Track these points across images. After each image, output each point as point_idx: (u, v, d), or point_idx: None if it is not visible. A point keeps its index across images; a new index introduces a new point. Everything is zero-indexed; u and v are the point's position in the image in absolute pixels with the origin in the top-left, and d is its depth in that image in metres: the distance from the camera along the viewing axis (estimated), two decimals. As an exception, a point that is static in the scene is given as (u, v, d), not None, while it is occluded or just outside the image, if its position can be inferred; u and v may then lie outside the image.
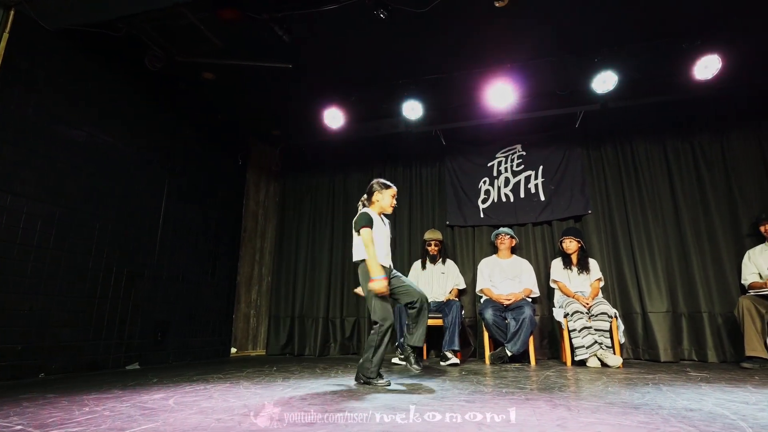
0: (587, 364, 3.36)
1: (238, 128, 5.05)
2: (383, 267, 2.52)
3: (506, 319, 3.73)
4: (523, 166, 4.68)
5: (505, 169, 4.74)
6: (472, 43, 3.60)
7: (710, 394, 2.10)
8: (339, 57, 3.81)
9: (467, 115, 4.54)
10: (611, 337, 3.43)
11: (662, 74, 3.86)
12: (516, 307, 3.73)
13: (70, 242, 3.10)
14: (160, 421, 1.57)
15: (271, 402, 1.94)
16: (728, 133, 4.16)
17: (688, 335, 3.87)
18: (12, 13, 2.83)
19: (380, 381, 2.41)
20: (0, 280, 2.66)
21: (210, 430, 1.45)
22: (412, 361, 2.53)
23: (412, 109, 4.15)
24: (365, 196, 2.71)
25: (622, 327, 3.56)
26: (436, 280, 4.22)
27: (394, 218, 4.78)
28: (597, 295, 3.70)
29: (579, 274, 3.83)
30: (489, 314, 3.70)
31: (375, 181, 2.71)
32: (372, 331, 2.47)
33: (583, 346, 3.38)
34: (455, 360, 3.55)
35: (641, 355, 3.89)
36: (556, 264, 3.98)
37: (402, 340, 2.61)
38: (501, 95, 3.93)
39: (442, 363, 3.57)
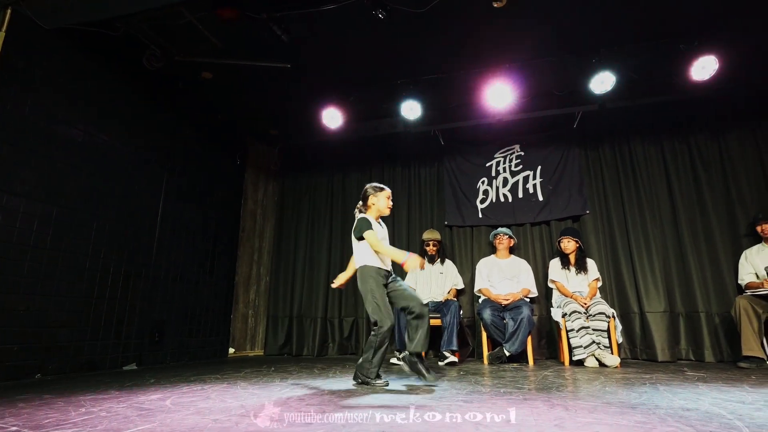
0: (585, 364, 3.37)
1: (236, 128, 5.04)
2: (384, 270, 2.54)
3: (504, 319, 3.73)
4: (521, 166, 4.69)
5: (504, 169, 4.74)
6: (471, 43, 3.61)
7: (707, 393, 2.10)
8: (338, 57, 3.81)
9: (466, 115, 4.54)
10: (609, 337, 3.43)
11: (660, 75, 3.88)
12: (514, 307, 3.74)
13: (68, 242, 3.09)
14: (157, 422, 1.57)
15: (268, 402, 1.94)
16: (725, 133, 4.17)
17: (685, 335, 3.89)
18: (9, 12, 2.82)
19: (378, 381, 2.41)
20: (-3, 280, 2.65)
21: (207, 430, 1.45)
22: (423, 371, 2.40)
23: (411, 109, 4.15)
24: (360, 202, 2.69)
25: (619, 327, 3.57)
26: (435, 280, 4.22)
27: (392, 218, 4.78)
28: (595, 295, 3.71)
29: (577, 274, 3.84)
30: (487, 314, 3.70)
31: (368, 185, 2.70)
32: (372, 333, 2.47)
33: (581, 346, 3.38)
34: (453, 358, 3.56)
35: (639, 354, 3.90)
36: (554, 264, 3.98)
37: (403, 353, 2.54)
38: (499, 95, 3.94)
39: (440, 363, 3.58)
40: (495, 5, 3.08)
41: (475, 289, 4.15)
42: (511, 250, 4.27)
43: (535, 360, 3.69)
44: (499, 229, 4.26)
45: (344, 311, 4.91)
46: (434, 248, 4.28)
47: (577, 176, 4.48)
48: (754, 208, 3.87)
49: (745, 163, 4.06)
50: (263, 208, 5.47)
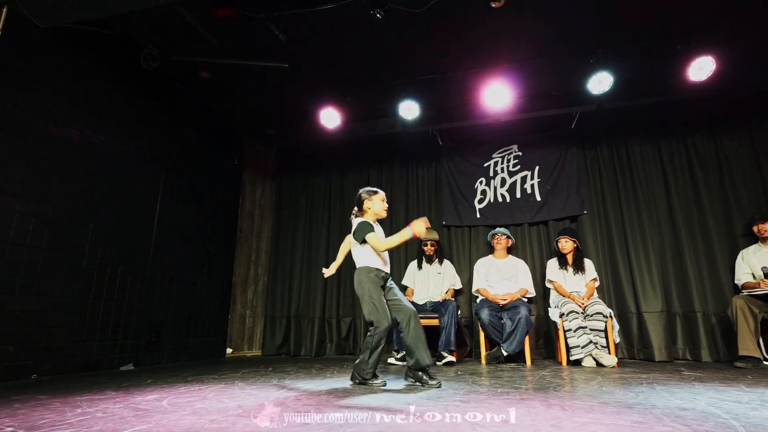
0: (582, 364, 3.37)
1: (234, 128, 5.03)
2: (382, 272, 2.55)
3: (502, 319, 3.73)
4: (519, 166, 4.70)
5: (502, 169, 4.75)
6: (469, 43, 3.61)
7: (703, 393, 2.11)
8: (336, 57, 3.80)
9: (464, 116, 4.54)
10: (606, 337, 3.44)
11: (657, 75, 3.89)
12: (512, 307, 3.74)
13: (64, 242, 3.07)
14: (153, 423, 1.56)
15: (266, 402, 1.93)
16: (722, 133, 4.19)
17: (682, 335, 3.90)
18: (5, 10, 2.80)
19: (376, 381, 2.41)
20: (-8, 280, 2.64)
21: (203, 431, 1.45)
22: (426, 379, 2.40)
23: (409, 109, 4.15)
24: (356, 208, 2.70)
25: (617, 327, 3.57)
26: (433, 280, 4.22)
27: (390, 218, 4.77)
28: (592, 295, 3.72)
29: (574, 274, 3.85)
30: (485, 314, 3.70)
31: (361, 191, 2.71)
32: (369, 333, 2.47)
33: (578, 346, 3.39)
34: (451, 358, 3.56)
35: (636, 354, 3.91)
36: (552, 264, 3.99)
37: (402, 359, 2.55)
38: (497, 95, 3.94)
39: (438, 362, 3.58)
40: (493, 5, 3.09)
41: (473, 289, 4.15)
42: (509, 250, 4.27)
43: (532, 360, 3.69)
44: (497, 229, 4.26)
45: (342, 311, 4.90)
46: (432, 248, 4.28)
47: (574, 176, 4.48)
48: (750, 209, 3.88)
49: (741, 164, 4.07)
50: (261, 208, 5.46)
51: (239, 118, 4.90)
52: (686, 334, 3.89)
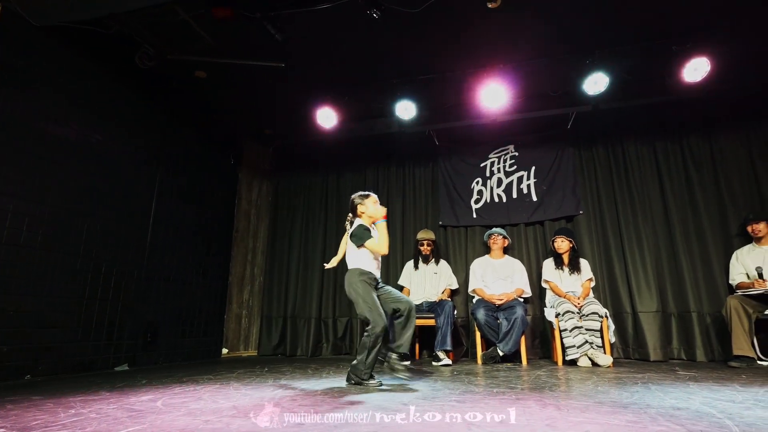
0: (578, 364, 3.38)
1: (230, 127, 5.01)
2: (373, 275, 2.59)
3: (498, 319, 3.74)
4: (515, 166, 4.71)
5: (498, 169, 4.75)
6: (466, 43, 3.61)
7: (698, 392, 2.12)
8: (332, 56, 3.80)
9: (460, 116, 4.54)
10: (602, 337, 3.45)
11: (652, 76, 3.90)
12: (508, 307, 3.75)
13: (59, 242, 3.05)
14: (147, 424, 1.55)
15: (261, 403, 1.93)
16: (717, 134, 4.21)
17: (677, 335, 3.91)
18: (-1, 8, 2.79)
19: (372, 381, 2.41)
20: (-15, 280, 2.62)
21: None
22: (398, 367, 2.52)
23: (406, 109, 4.15)
24: (350, 214, 2.74)
25: (612, 327, 3.58)
26: (429, 280, 4.22)
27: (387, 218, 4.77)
28: (588, 294, 3.73)
29: (570, 274, 3.86)
30: (481, 314, 3.71)
31: (353, 196, 2.75)
32: (365, 334, 2.47)
33: (574, 346, 3.40)
34: (447, 361, 3.56)
35: (631, 354, 3.92)
36: (548, 264, 4.00)
37: (389, 355, 2.60)
38: (494, 96, 3.95)
39: (434, 363, 3.58)
40: (489, 6, 3.09)
41: (469, 289, 4.15)
42: (505, 251, 4.28)
43: (528, 360, 3.70)
44: (494, 229, 4.27)
45: (338, 311, 4.90)
46: (429, 248, 4.28)
47: (570, 177, 4.50)
48: (745, 209, 3.90)
49: (736, 164, 4.09)
50: (257, 208, 5.45)
51: (236, 118, 4.88)
52: (681, 334, 3.91)
